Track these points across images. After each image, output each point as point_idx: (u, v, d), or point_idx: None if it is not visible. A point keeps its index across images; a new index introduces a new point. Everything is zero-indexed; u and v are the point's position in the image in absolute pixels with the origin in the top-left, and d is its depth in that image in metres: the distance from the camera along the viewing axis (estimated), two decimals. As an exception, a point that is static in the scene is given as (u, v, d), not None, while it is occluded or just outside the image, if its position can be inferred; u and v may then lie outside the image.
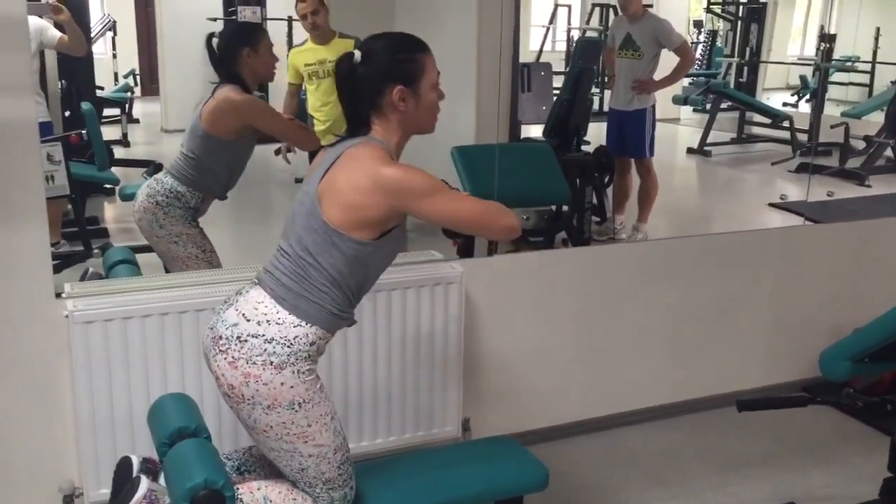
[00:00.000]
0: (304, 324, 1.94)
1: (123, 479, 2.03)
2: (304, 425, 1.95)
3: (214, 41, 3.01)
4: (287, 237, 2.01)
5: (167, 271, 3.19)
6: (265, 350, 1.91)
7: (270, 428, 1.95)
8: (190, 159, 3.05)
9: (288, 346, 1.92)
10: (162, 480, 2.05)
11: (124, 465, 2.07)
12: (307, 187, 2.00)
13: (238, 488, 1.99)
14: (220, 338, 1.95)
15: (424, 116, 2.02)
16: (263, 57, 3.07)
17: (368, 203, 1.90)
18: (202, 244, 3.09)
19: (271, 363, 1.90)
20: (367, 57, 1.95)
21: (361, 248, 1.94)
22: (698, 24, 8.21)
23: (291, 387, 1.92)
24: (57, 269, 2.77)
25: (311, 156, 3.99)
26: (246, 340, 1.92)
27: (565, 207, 4.19)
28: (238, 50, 2.99)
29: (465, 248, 3.44)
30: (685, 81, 7.04)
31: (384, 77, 1.94)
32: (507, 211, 2.00)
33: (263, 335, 1.92)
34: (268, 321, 1.93)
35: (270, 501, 2.00)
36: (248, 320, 1.94)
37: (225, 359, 1.93)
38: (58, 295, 2.57)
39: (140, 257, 3.22)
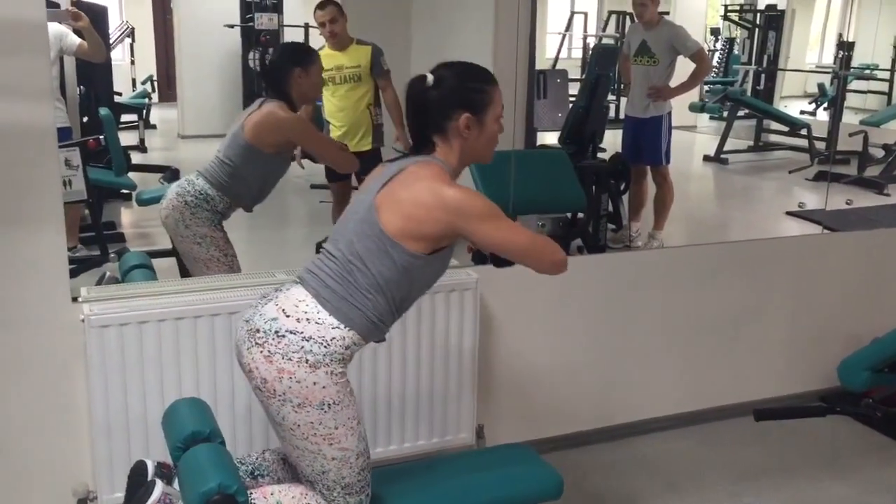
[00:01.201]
0: (342, 326, 1.96)
1: (138, 483, 2.04)
2: (332, 427, 1.96)
3: (267, 58, 3.07)
4: (335, 242, 2.04)
5: (182, 274, 3.21)
6: (302, 347, 1.92)
7: (298, 427, 1.95)
8: (225, 165, 3.09)
9: (325, 347, 1.93)
10: (176, 485, 2.05)
11: (139, 468, 2.08)
12: (364, 196, 2.04)
13: (252, 493, 1.99)
14: (258, 331, 1.96)
15: (485, 145, 2.08)
16: (313, 78, 3.17)
17: (428, 218, 1.95)
18: (224, 248, 3.11)
19: (307, 361, 1.92)
20: (440, 82, 2.02)
21: (413, 261, 1.97)
22: (715, 32, 8.19)
23: (323, 387, 1.93)
24: (74, 274, 2.78)
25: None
26: (284, 336, 1.93)
27: (581, 215, 4.18)
28: (290, 70, 3.09)
29: (480, 254, 3.44)
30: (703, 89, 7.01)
31: (454, 103, 2.01)
32: (557, 247, 2.05)
33: (302, 333, 1.93)
34: (307, 319, 1.95)
35: (284, 507, 2.00)
36: (288, 316, 1.95)
37: (261, 352, 1.94)
38: (74, 299, 2.59)
39: (156, 262, 3.23)
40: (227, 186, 3.09)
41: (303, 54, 3.20)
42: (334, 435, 1.96)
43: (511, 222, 2.02)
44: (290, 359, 1.92)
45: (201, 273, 3.06)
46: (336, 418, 1.96)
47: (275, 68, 3.17)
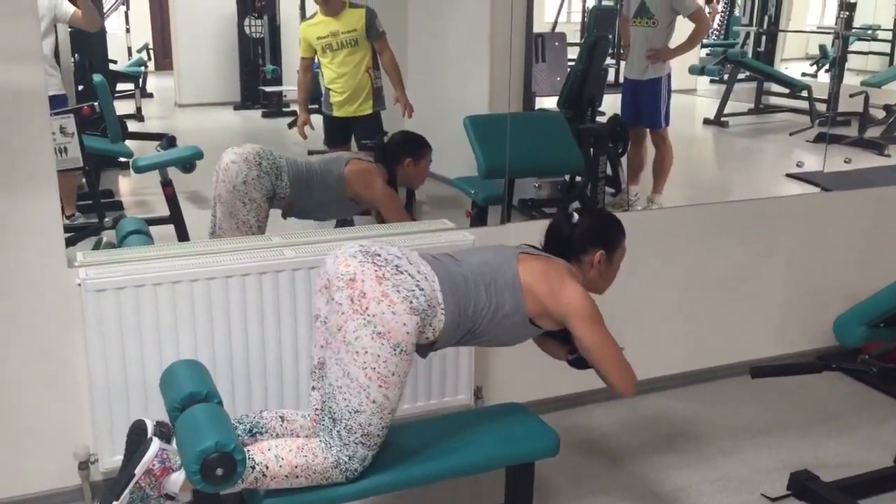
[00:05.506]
0: (442, 305, 2.12)
1: (136, 441, 2.06)
2: (390, 371, 2.03)
3: (386, 139, 3.48)
4: (459, 259, 2.26)
5: (180, 239, 3.19)
6: (412, 291, 2.06)
7: (365, 353, 2.02)
8: (311, 168, 3.31)
9: (428, 305, 2.08)
10: (174, 444, 2.07)
11: (138, 427, 2.10)
12: (506, 248, 2.32)
13: (249, 449, 2.02)
14: (378, 255, 2.11)
15: (605, 281, 2.41)
16: (420, 169, 3.45)
17: (550, 295, 2.21)
18: (261, 221, 3.20)
19: (410, 302, 2.04)
20: (583, 222, 2.35)
21: (518, 312, 2.21)
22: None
23: (408, 332, 2.04)
24: (72, 242, 2.79)
25: (327, 128, 4.01)
26: (403, 273, 2.08)
27: (578, 178, 4.16)
28: (402, 158, 3.40)
29: (479, 217, 3.45)
30: (703, 52, 6.94)
31: (594, 241, 2.33)
32: (634, 373, 2.27)
33: (418, 282, 2.09)
34: (426, 278, 2.12)
35: (282, 459, 2.02)
36: (411, 264, 2.13)
37: (375, 272, 2.06)
38: (71, 265, 2.59)
39: (153, 229, 3.23)
40: (296, 181, 3.23)
41: (417, 146, 3.44)
42: (388, 380, 2.04)
43: (608, 333, 2.25)
44: (398, 291, 2.04)
45: (230, 229, 3.14)
46: (398, 366, 2.04)
47: (389, 151, 3.42)
